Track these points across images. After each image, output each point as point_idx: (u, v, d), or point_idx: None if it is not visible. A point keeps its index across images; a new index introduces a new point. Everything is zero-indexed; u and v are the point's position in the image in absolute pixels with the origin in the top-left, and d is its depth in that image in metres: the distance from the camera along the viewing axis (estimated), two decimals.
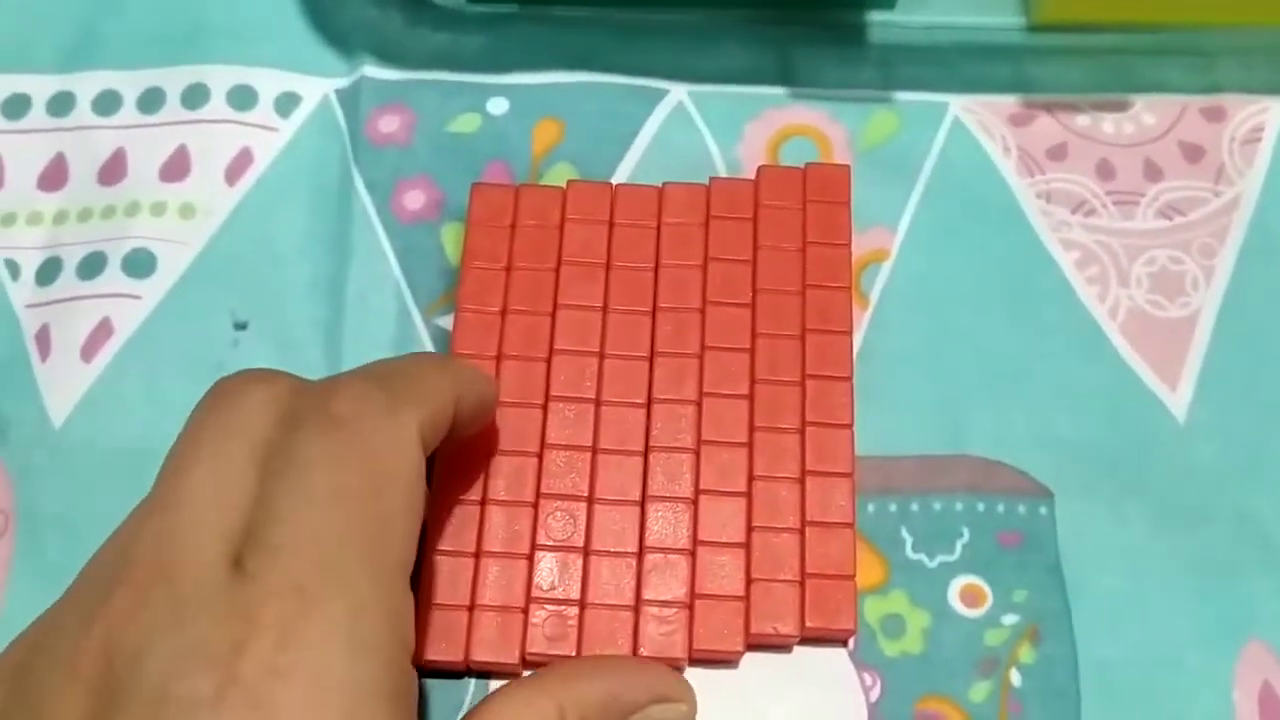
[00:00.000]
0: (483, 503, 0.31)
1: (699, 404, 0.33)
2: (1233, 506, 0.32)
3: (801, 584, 0.31)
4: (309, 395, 0.25)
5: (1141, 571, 0.32)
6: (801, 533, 0.31)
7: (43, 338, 0.34)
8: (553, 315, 0.33)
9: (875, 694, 0.31)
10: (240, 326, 0.34)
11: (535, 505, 0.31)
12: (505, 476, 0.31)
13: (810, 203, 0.35)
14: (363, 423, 0.24)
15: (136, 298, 0.34)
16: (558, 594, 0.30)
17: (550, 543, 0.31)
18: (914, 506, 0.33)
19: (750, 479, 0.32)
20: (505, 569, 0.31)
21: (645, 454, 0.32)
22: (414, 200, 0.36)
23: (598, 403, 0.33)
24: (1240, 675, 0.31)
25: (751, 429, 0.32)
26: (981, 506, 0.32)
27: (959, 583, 0.32)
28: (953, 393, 0.34)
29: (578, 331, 0.33)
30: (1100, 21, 0.38)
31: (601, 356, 0.33)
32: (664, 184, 0.35)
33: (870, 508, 0.32)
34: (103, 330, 0.34)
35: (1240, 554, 0.32)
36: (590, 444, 0.32)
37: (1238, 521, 0.32)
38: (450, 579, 0.30)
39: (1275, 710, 0.30)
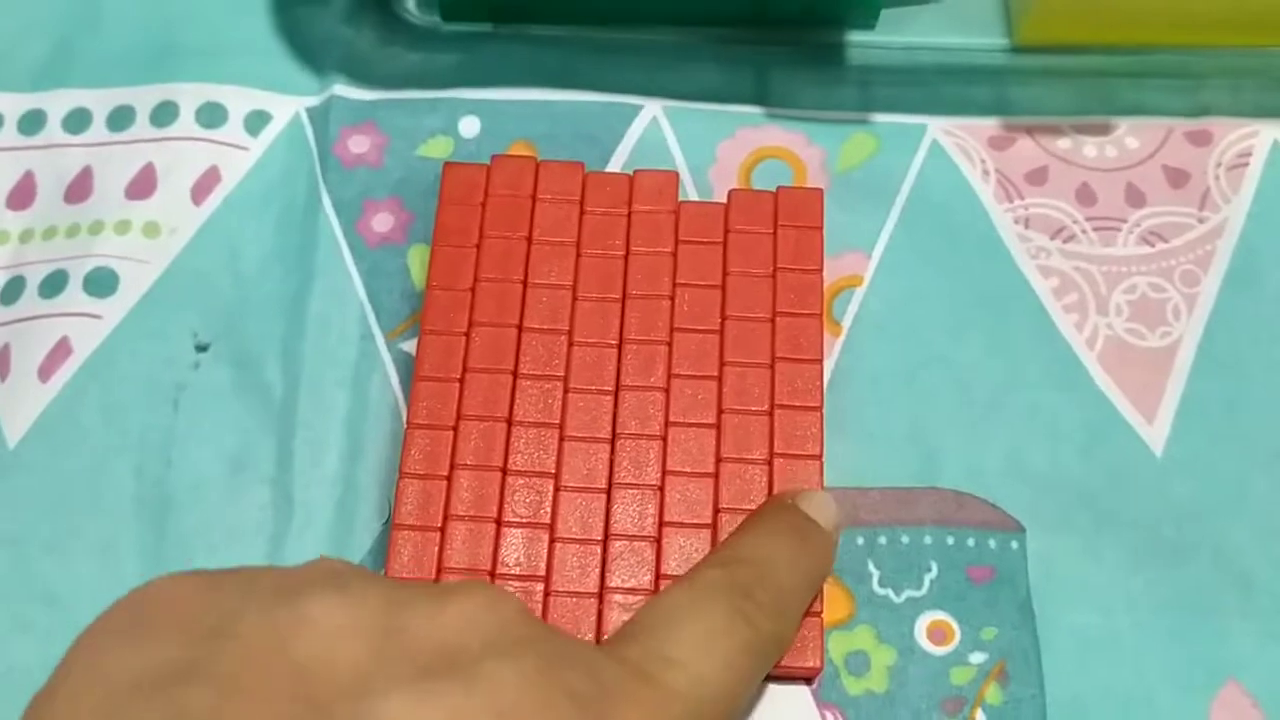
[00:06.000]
0: (451, 468, 0.31)
1: (666, 390, 0.32)
2: (1210, 543, 0.32)
3: None
4: None
5: (1114, 609, 0.31)
6: None
7: (3, 357, 0.34)
8: (523, 289, 0.33)
9: None
10: (202, 348, 0.34)
11: (503, 471, 0.31)
12: (474, 442, 0.31)
13: (782, 227, 0.34)
14: None
15: (97, 317, 0.34)
16: (523, 570, 0.30)
17: (516, 519, 0.31)
18: (882, 539, 0.32)
19: (716, 511, 0.31)
20: (473, 533, 0.31)
21: (612, 440, 0.32)
22: (382, 223, 0.35)
23: (566, 387, 0.32)
24: (1215, 719, 0.30)
25: (718, 459, 0.31)
26: (951, 540, 0.32)
27: (926, 619, 0.31)
28: (925, 422, 0.33)
29: (547, 311, 0.33)
30: (1084, 42, 0.38)
31: (570, 342, 0.33)
32: (635, 171, 0.35)
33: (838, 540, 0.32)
34: (61, 350, 0.34)
35: (1217, 592, 0.31)
36: (558, 423, 0.32)
37: (1215, 559, 0.32)
38: (416, 554, 0.30)
39: None
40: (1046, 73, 0.38)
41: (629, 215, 0.34)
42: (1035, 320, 0.34)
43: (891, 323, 0.34)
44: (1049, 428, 0.33)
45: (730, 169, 0.36)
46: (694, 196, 0.36)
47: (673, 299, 0.33)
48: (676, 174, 0.35)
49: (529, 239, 0.34)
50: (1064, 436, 0.33)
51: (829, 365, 0.34)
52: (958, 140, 0.37)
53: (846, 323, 0.34)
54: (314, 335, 0.34)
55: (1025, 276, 0.35)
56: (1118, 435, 0.33)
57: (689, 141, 0.36)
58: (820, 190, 0.35)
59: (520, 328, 0.33)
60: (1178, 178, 0.36)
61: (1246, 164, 0.36)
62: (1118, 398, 0.33)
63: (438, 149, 0.36)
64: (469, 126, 0.37)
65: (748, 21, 0.38)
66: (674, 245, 0.34)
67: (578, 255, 0.34)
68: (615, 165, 0.36)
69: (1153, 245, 0.35)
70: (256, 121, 0.37)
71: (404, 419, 0.32)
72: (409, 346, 0.34)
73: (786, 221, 0.34)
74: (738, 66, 0.37)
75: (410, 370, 0.33)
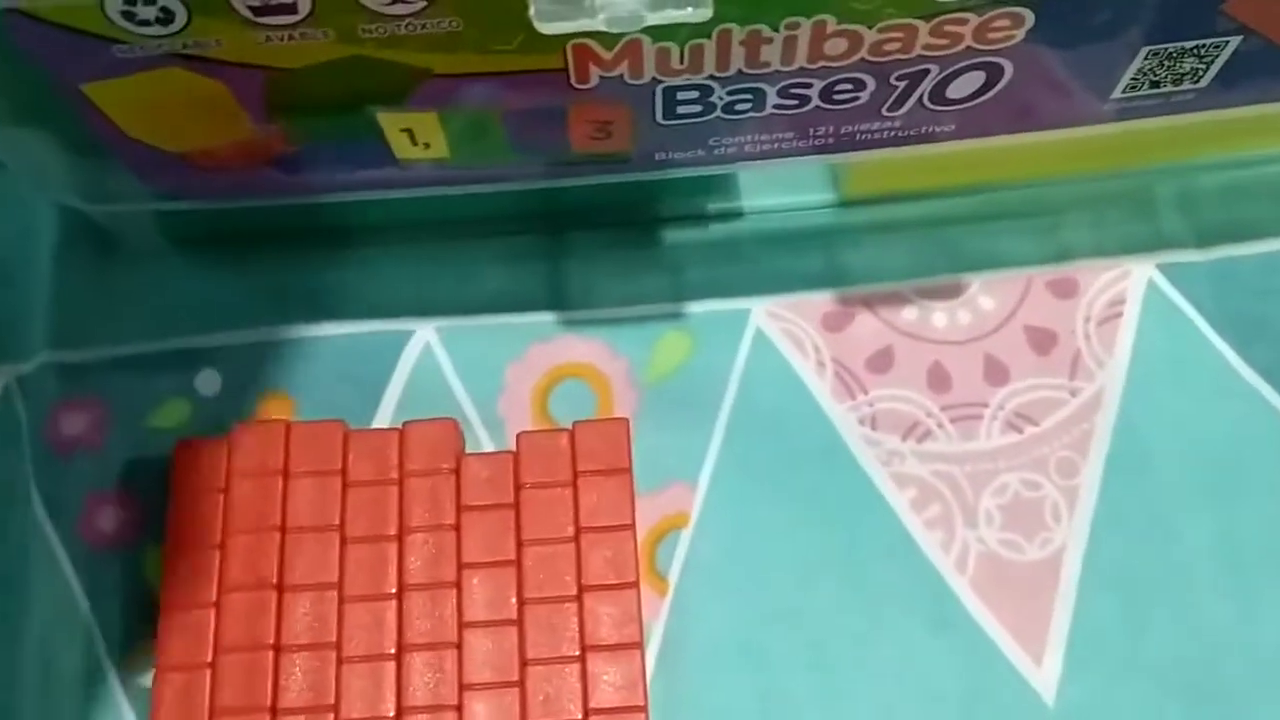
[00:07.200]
0: None
1: (459, 708, 0.27)
2: None
3: None
4: None
5: None
6: None
7: None
8: (278, 595, 0.28)
9: None
10: None
11: None
12: None
13: (583, 475, 0.29)
14: None
15: None
16: None
17: None
18: None
19: None
20: None
21: None
22: (108, 520, 0.29)
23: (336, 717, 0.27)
24: None
25: None
26: None
27: None
28: (774, 691, 0.28)
29: (308, 621, 0.28)
30: (921, 189, 0.32)
31: (339, 659, 0.27)
32: (405, 423, 0.29)
33: None
34: None
35: None
36: None
37: None
38: None
39: None
40: (883, 228, 0.32)
41: (401, 481, 0.29)
42: (894, 544, 0.29)
43: (726, 570, 0.29)
44: (920, 684, 0.28)
45: (522, 397, 0.31)
46: (481, 437, 0.30)
47: (459, 586, 0.28)
48: (453, 422, 0.29)
49: (282, 529, 0.28)
50: (938, 693, 0.28)
51: (655, 635, 0.28)
52: (786, 325, 0.31)
53: (673, 576, 0.29)
54: (31, 677, 0.28)
55: (878, 490, 0.30)
56: (1001, 683, 0.28)
57: (471, 368, 0.31)
58: (625, 421, 0.29)
59: (277, 648, 0.27)
60: (1043, 341, 0.31)
61: (1120, 314, 0.31)
62: (997, 633, 0.28)
63: (171, 417, 0.30)
64: (208, 383, 0.31)
65: (533, 216, 0.32)
66: (456, 515, 0.28)
67: (342, 543, 0.28)
68: (387, 408, 0.31)
69: (1021, 431, 0.30)
70: None
71: None
72: (149, 680, 0.28)
73: (588, 465, 0.29)
74: (523, 266, 0.32)
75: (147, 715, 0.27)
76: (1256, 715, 0.27)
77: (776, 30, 0.23)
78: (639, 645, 0.27)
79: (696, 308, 0.32)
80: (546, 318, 0.31)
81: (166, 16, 0.21)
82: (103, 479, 0.30)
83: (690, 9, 0.20)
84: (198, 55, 0.22)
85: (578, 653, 0.27)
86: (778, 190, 0.32)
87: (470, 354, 0.31)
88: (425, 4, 0.21)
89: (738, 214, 0.32)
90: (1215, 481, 0.30)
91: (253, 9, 0.21)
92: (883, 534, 0.29)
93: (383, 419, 0.30)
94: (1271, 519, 0.29)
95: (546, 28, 0.20)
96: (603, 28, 0.21)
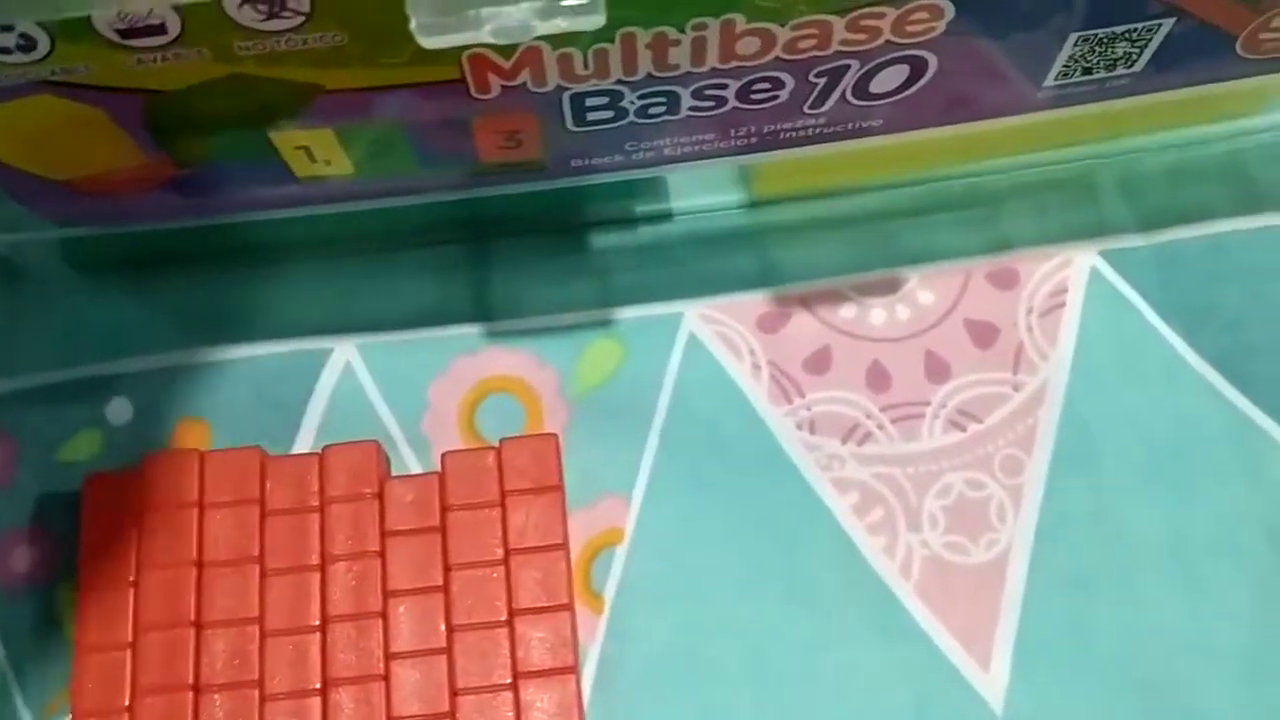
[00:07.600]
0: None
1: None
2: None
3: None
4: None
5: None
6: None
7: None
8: (195, 634, 0.27)
9: None
10: None
11: None
12: None
13: (511, 495, 0.28)
14: None
15: None
16: None
17: None
18: None
19: None
20: None
21: None
22: (20, 559, 0.28)
23: None
24: None
25: None
26: None
27: None
28: (717, 708, 0.27)
29: (229, 658, 0.27)
30: (851, 185, 0.31)
31: (262, 696, 0.26)
32: (324, 448, 0.28)
33: None
34: None
35: None
36: None
37: None
38: None
39: None
40: (817, 224, 0.31)
41: (322, 508, 0.28)
42: (836, 551, 0.28)
43: (664, 584, 0.28)
44: (866, 693, 0.27)
45: (448, 415, 0.30)
46: (407, 458, 0.29)
47: (385, 615, 0.27)
48: (375, 444, 0.28)
49: (199, 563, 0.27)
50: (885, 703, 0.27)
51: (591, 656, 0.28)
52: (720, 328, 0.30)
53: (609, 594, 0.28)
54: None
55: (817, 495, 0.29)
56: (948, 691, 0.27)
57: (393, 386, 0.30)
58: (553, 436, 0.28)
59: (196, 688, 0.26)
60: (984, 334, 0.30)
61: (1062, 305, 0.31)
62: (943, 639, 0.28)
63: (82, 449, 0.29)
64: (119, 412, 0.30)
65: (453, 225, 0.31)
66: (380, 541, 0.27)
67: (262, 575, 0.27)
68: (307, 432, 0.29)
69: (964, 429, 0.29)
70: None
71: None
72: None
73: (517, 484, 0.28)
74: (445, 277, 0.31)
75: None
76: (1209, 712, 0.27)
77: (683, 32, 0.22)
78: (573, 670, 0.26)
79: (626, 313, 0.31)
80: (471, 330, 0.30)
81: (28, 44, 0.20)
82: (14, 516, 0.29)
83: (581, 16, 0.19)
84: (68, 82, 0.21)
85: (510, 680, 0.26)
86: (706, 190, 0.31)
87: (392, 371, 0.30)
88: (303, 19, 0.20)
89: (666, 215, 0.31)
90: (1164, 474, 0.29)
91: (120, 32, 0.20)
92: (824, 541, 0.28)
93: (303, 443, 0.29)
94: (1221, 511, 0.29)
95: (430, 42, 0.19)
96: (491, 39, 0.20)
